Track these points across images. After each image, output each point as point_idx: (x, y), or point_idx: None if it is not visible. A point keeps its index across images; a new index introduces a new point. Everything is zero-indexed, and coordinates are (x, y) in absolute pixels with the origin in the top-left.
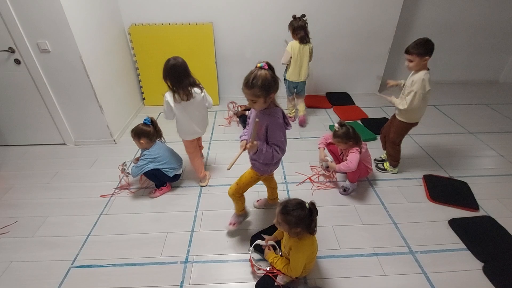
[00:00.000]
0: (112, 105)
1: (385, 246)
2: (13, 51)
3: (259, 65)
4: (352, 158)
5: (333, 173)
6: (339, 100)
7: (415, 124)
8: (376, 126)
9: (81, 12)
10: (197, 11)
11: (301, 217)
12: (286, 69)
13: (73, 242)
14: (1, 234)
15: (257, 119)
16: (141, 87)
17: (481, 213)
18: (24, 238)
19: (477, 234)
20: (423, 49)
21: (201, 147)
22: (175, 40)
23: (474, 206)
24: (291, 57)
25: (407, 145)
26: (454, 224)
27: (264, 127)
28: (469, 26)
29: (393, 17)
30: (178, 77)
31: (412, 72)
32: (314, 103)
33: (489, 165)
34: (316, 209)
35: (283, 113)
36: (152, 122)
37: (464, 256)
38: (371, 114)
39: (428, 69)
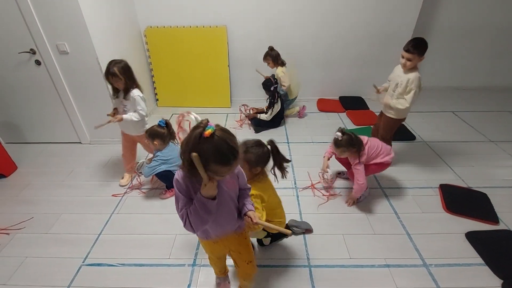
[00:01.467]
0: None
1: (397, 258)
2: (34, 53)
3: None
4: (358, 176)
5: (331, 182)
6: (352, 104)
7: (404, 119)
8: None
9: (99, 15)
10: (211, 14)
11: (259, 155)
12: (287, 93)
13: (85, 240)
14: (18, 229)
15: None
16: (154, 88)
17: (501, 226)
18: (39, 234)
19: (496, 249)
20: (423, 49)
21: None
22: (189, 42)
23: (494, 219)
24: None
25: (423, 152)
26: (472, 237)
27: None
28: (491, 30)
29: (411, 20)
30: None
31: (402, 71)
32: (326, 107)
33: (511, 176)
34: (276, 146)
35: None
36: (167, 124)
37: (482, 272)
38: None
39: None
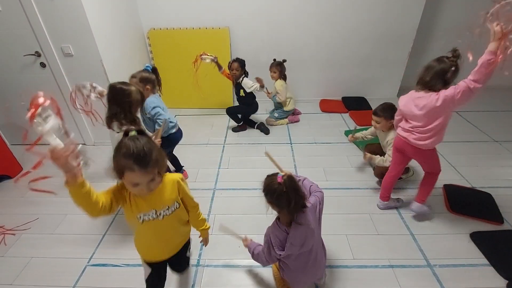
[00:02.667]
0: None
1: (401, 258)
2: (39, 55)
3: (278, 177)
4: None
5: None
6: (355, 105)
7: None
8: None
9: (103, 18)
10: (214, 16)
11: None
12: (284, 105)
13: (90, 241)
14: (23, 230)
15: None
16: None
17: (505, 226)
18: (45, 234)
19: (501, 249)
20: (389, 113)
21: None
22: (192, 44)
23: (498, 219)
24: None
25: None
26: (476, 237)
27: None
28: None
29: (414, 21)
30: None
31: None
32: (329, 107)
33: None
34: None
35: (288, 235)
36: (154, 70)
37: (486, 272)
38: None
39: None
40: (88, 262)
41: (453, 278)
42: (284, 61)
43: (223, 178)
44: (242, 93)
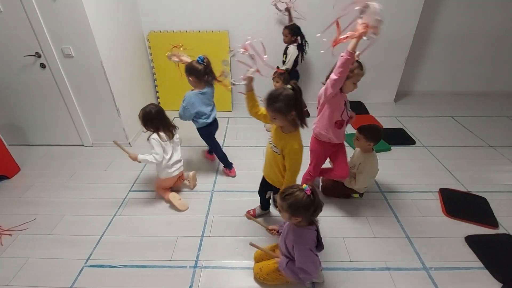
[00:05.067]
0: (128, 109)
1: (397, 261)
2: (39, 56)
3: (304, 186)
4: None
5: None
6: (353, 109)
7: None
8: (391, 136)
9: (104, 19)
10: (213, 19)
11: (290, 97)
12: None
13: (88, 242)
14: (21, 230)
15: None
16: (157, 91)
17: (500, 230)
18: (42, 235)
19: (496, 253)
20: (370, 135)
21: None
22: (191, 47)
23: (493, 223)
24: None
25: (423, 156)
26: (471, 241)
27: (291, 244)
28: (490, 36)
29: (411, 26)
30: (163, 120)
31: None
32: None
33: (510, 181)
34: (299, 88)
35: (317, 232)
36: (204, 61)
37: (481, 276)
38: (386, 124)
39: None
40: (85, 263)
41: (448, 281)
42: (287, 69)
43: (221, 180)
44: (284, 58)
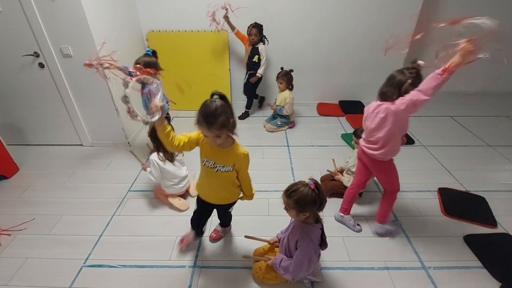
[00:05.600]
0: None
1: (396, 260)
2: (37, 55)
3: (307, 181)
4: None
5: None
6: (352, 108)
7: None
8: None
9: (103, 19)
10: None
11: (226, 107)
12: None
13: (86, 242)
14: (19, 230)
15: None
16: None
17: (499, 230)
18: (40, 235)
19: (495, 252)
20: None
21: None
22: (190, 46)
23: (492, 222)
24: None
25: (422, 156)
26: (470, 240)
27: (295, 239)
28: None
29: (410, 26)
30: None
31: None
32: (326, 111)
33: (509, 180)
34: (224, 94)
35: (322, 231)
36: (154, 53)
37: (480, 275)
38: None
39: None
40: (84, 263)
41: (447, 280)
42: (291, 70)
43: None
44: (256, 59)
